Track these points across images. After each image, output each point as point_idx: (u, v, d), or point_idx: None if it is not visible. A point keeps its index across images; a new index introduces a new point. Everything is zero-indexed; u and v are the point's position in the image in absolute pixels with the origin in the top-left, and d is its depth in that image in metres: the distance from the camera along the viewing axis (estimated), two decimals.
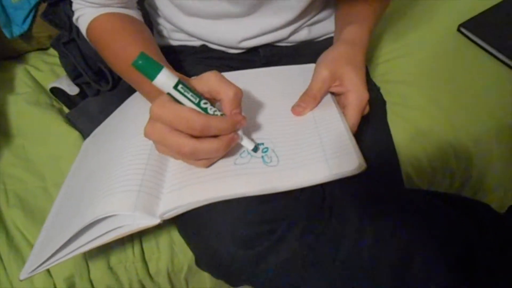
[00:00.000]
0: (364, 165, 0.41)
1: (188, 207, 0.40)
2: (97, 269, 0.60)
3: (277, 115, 0.50)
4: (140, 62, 0.36)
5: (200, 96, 0.40)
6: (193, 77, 0.43)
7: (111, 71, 0.77)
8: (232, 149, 0.44)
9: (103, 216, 0.39)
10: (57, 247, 0.42)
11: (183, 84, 0.39)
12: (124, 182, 0.42)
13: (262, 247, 0.41)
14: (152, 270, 0.63)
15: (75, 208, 0.47)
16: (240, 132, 0.43)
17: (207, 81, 0.41)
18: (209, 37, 0.66)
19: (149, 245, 0.63)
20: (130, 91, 0.63)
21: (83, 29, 0.61)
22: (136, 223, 0.40)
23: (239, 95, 0.41)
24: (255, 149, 0.44)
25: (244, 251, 0.41)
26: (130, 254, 0.61)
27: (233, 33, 0.63)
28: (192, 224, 0.44)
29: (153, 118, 0.39)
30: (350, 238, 0.43)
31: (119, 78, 0.79)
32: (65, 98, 0.78)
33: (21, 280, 0.46)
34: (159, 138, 0.40)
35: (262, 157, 0.44)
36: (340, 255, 0.43)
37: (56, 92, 0.78)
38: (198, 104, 0.40)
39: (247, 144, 0.44)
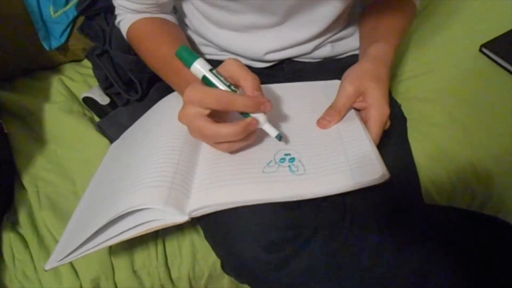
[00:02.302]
0: (387, 175, 0.43)
1: (216, 208, 0.42)
2: (122, 272, 0.62)
3: (303, 128, 0.52)
4: (181, 52, 0.46)
5: (230, 83, 0.45)
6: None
7: (140, 82, 0.80)
8: (260, 159, 0.46)
9: (136, 208, 0.41)
10: (85, 237, 0.44)
11: (216, 70, 0.45)
12: (156, 178, 0.44)
13: (286, 252, 0.42)
14: (174, 275, 0.65)
15: (104, 202, 0.48)
16: (263, 119, 0.46)
17: (229, 67, 0.46)
18: (236, 49, 0.68)
19: (172, 251, 0.65)
20: (158, 101, 0.66)
21: (123, 31, 0.67)
22: (164, 219, 0.41)
23: (257, 80, 0.45)
24: (278, 137, 0.47)
25: (268, 255, 0.42)
26: (154, 259, 0.63)
27: (259, 45, 0.66)
28: (218, 227, 0.45)
29: (185, 102, 0.44)
30: (371, 250, 0.44)
31: (148, 89, 0.82)
32: (96, 107, 0.82)
33: (45, 270, 0.48)
34: (188, 121, 0.44)
35: (289, 166, 0.45)
36: (361, 265, 0.43)
37: (88, 102, 0.82)
38: (229, 87, 0.45)
39: (270, 131, 0.47)
